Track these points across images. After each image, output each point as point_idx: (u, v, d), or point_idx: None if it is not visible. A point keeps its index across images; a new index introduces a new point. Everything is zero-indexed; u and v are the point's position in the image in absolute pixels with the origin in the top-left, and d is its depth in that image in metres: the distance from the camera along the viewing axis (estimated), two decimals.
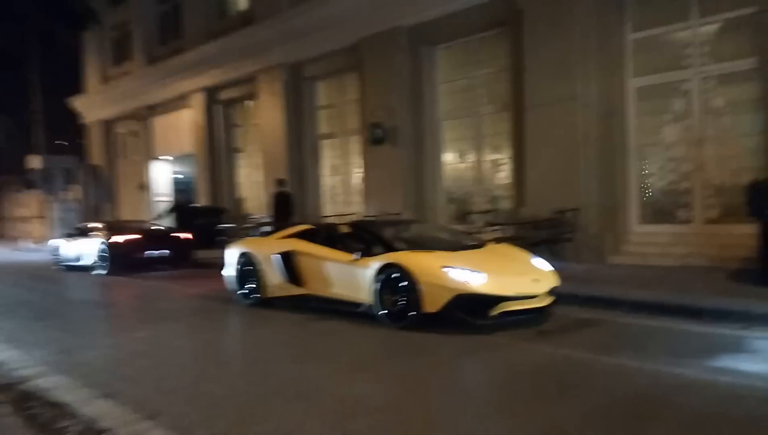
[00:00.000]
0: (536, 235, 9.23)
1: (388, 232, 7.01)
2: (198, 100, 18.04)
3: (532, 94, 10.14)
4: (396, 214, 12.03)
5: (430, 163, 12.44)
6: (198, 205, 16.77)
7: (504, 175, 11.53)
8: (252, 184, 17.48)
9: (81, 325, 7.32)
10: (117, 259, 12.52)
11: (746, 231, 8.10)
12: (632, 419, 3.47)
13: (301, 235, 7.54)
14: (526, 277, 6.01)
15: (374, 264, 6.18)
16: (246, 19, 15.99)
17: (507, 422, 3.51)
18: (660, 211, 9.38)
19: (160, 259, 13.10)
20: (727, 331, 5.38)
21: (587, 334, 5.65)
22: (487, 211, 11.19)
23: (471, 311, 5.63)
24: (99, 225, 14.35)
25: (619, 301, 6.55)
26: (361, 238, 6.87)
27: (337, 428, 3.46)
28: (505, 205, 11.30)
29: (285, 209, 13.11)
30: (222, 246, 15.33)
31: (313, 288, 7.05)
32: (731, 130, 8.68)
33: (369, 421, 3.57)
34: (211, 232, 15.74)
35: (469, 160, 12.13)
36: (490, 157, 11.82)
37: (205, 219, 15.87)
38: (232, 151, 18.13)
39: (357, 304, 6.44)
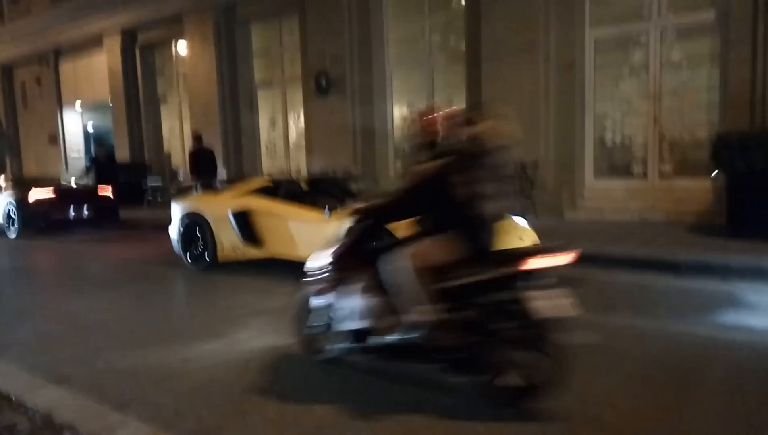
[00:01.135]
0: None
1: (354, 187, 6.56)
2: (113, 43, 16.26)
3: (489, 44, 9.73)
4: (346, 168, 11.48)
5: (379, 115, 11.85)
6: (119, 160, 15.32)
7: None
8: (178, 137, 16.19)
9: (2, 297, 6.34)
10: (29, 220, 11.18)
11: (701, 185, 8.29)
12: (680, 384, 3.28)
13: (259, 192, 6.88)
14: (511, 234, 5.58)
15: (347, 220, 5.64)
16: None
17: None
18: (616, 165, 9.40)
19: (81, 220, 11.87)
20: (711, 285, 5.37)
21: (576, 292, 5.44)
22: None
23: None
24: (3, 182, 12.77)
25: (594, 257, 6.41)
26: (327, 193, 6.34)
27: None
28: None
29: (206, 166, 11.87)
30: (147, 205, 14.39)
31: (275, 250, 6.49)
32: (688, 84, 8.71)
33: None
34: (135, 190, 14.52)
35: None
36: (443, 109, 11.37)
37: (128, 176, 14.57)
38: (155, 100, 16.64)
39: None
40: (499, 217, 3.39)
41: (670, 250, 6.37)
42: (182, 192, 13.93)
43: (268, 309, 5.21)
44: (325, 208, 5.96)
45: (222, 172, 13.97)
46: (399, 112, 11.95)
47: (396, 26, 11.71)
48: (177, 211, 7.31)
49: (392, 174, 11.65)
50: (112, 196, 12.35)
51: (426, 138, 3.66)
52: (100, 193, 12.29)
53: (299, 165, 13.39)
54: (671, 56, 8.76)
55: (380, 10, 11.62)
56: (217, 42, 13.91)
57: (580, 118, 9.37)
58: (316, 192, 6.63)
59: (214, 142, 14.25)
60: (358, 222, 3.61)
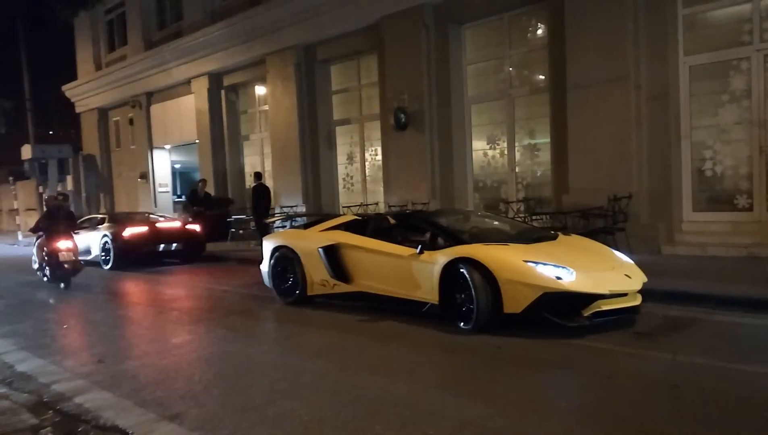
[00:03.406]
0: (586, 224, 8.64)
1: (449, 223, 6.38)
2: (201, 86, 17.18)
3: (575, 74, 9.49)
4: (424, 203, 11.43)
5: (457, 149, 11.78)
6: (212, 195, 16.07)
7: (540, 160, 10.91)
8: (263, 173, 16.72)
9: (106, 328, 6.60)
10: (123, 254, 11.76)
11: None
12: None
13: (346, 227, 6.91)
14: (616, 272, 5.36)
15: (441, 258, 5.51)
16: None
17: None
18: (717, 198, 8.83)
19: (171, 253, 12.39)
20: None
21: (692, 335, 5.05)
22: (524, 200, 10.59)
23: (558, 312, 4.98)
24: (101, 216, 13.58)
25: (704, 296, 5.99)
26: (419, 229, 6.22)
27: None
28: (542, 193, 10.70)
29: (263, 202, 13.08)
30: (231, 239, 14.86)
31: (364, 285, 6.40)
32: None
33: None
34: (220, 225, 15.04)
35: (500, 146, 11.48)
36: (523, 142, 11.19)
37: (214, 210, 15.16)
38: (238, 138, 17.34)
39: (419, 304, 5.79)
40: None
41: None
42: (262, 227, 14.40)
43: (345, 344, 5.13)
44: (416, 245, 5.86)
45: (301, 207, 14.30)
46: (479, 145, 11.83)
47: (475, 59, 11.70)
48: (268, 246, 7.44)
49: (471, 207, 11.48)
50: (199, 231, 12.85)
51: None
52: (188, 228, 12.82)
53: (377, 199, 13.46)
54: None
55: (459, 43, 11.66)
56: (298, 81, 14.39)
57: (675, 149, 8.91)
58: (404, 227, 6.53)
59: (293, 177, 14.67)
60: None
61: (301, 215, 13.71)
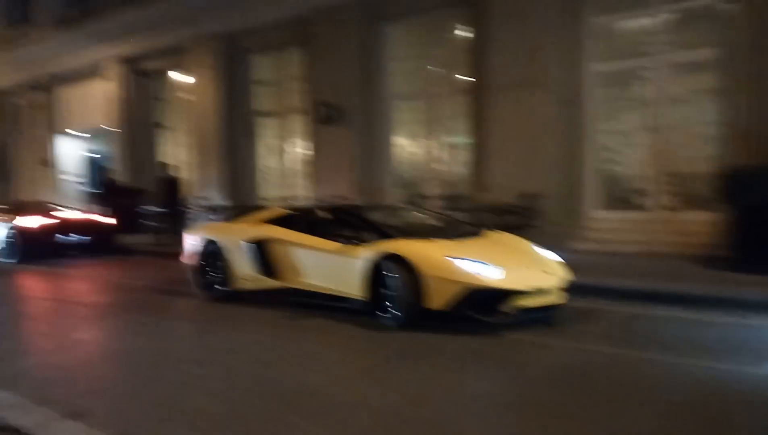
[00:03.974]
0: (500, 220, 9.01)
1: (377, 218, 6.37)
2: (115, 71, 16.31)
3: (493, 76, 9.87)
4: (344, 197, 11.48)
5: (380, 145, 11.92)
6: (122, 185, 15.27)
7: (459, 159, 11.25)
8: (179, 163, 16.15)
9: (3, 324, 6.18)
10: (26, 246, 11.02)
11: (704, 218, 8.35)
12: (716, 423, 3.22)
13: (275, 221, 6.79)
14: (537, 268, 5.52)
15: (367, 254, 5.53)
16: None
17: (573, 431, 3.15)
18: (619, 198, 9.49)
19: (77, 246, 11.73)
20: (731, 319, 5.37)
21: (594, 325, 5.41)
22: (443, 197, 10.89)
23: (479, 308, 5.08)
24: (1, 206, 12.65)
25: (609, 290, 6.45)
26: (348, 224, 6.16)
27: None
28: (460, 190, 11.05)
29: (172, 194, 12.36)
30: (145, 231, 14.25)
31: (291, 280, 6.31)
32: (688, 118, 8.87)
33: None
34: (132, 216, 14.38)
35: (422, 143, 11.74)
36: (445, 140, 11.50)
37: (125, 201, 14.46)
38: (154, 127, 16.64)
39: (345, 299, 5.78)
40: None
41: (686, 284, 6.38)
42: (178, 218, 13.92)
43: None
44: (345, 240, 5.85)
45: (220, 199, 13.96)
46: (401, 142, 12.03)
47: (400, 57, 11.86)
48: (192, 239, 7.23)
49: (392, 203, 11.65)
50: (109, 222, 12.27)
51: None
52: (96, 220, 12.20)
53: (298, 193, 13.37)
54: (672, 91, 8.93)
55: (384, 42, 11.78)
56: (219, 70, 14.01)
57: (581, 151, 9.48)
58: (333, 222, 6.44)
59: (212, 168, 14.29)
60: None
61: (225, 208, 13.42)
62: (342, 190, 11.69)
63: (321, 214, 6.66)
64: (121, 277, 9.10)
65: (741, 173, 6.73)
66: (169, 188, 12.44)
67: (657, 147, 9.02)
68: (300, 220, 6.68)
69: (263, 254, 6.49)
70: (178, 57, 14.88)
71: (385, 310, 5.39)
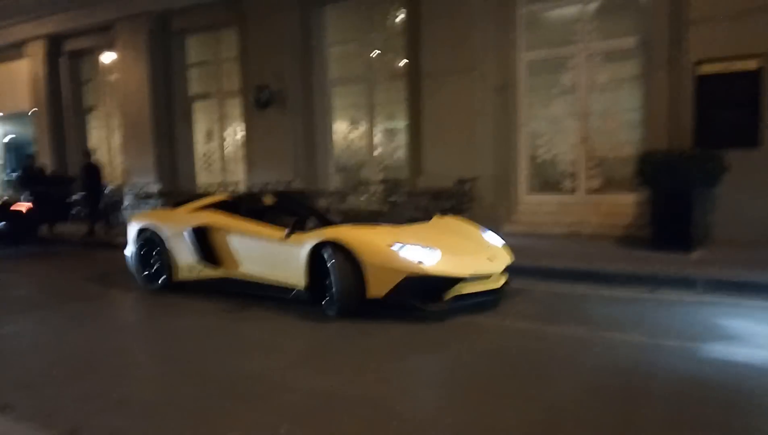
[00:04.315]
0: (436, 205, 9.24)
1: (321, 204, 6.49)
2: (37, 50, 15.45)
3: (428, 63, 10.02)
4: (287, 182, 11.43)
5: (319, 130, 11.90)
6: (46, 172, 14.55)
7: (398, 144, 11.39)
8: (109, 148, 15.57)
9: None
10: None
11: (627, 200, 8.84)
12: (634, 391, 3.49)
13: (217, 207, 6.53)
14: (480, 254, 5.50)
15: (308, 241, 5.35)
16: None
17: (505, 406, 3.35)
18: (548, 182, 9.88)
19: None
20: (645, 294, 5.75)
21: (530, 306, 5.63)
22: (383, 181, 11.01)
23: (423, 296, 5.03)
24: None
25: (539, 270, 6.74)
26: (290, 210, 5.99)
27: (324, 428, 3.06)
28: (400, 175, 11.20)
29: (96, 182, 12.06)
30: (72, 220, 13.69)
31: (233, 270, 6.10)
32: (613, 105, 9.31)
33: (355, 416, 3.21)
34: (58, 205, 13.77)
35: (361, 129, 11.79)
36: (383, 125, 11.60)
37: (52, 189, 13.81)
38: (82, 110, 15.92)
39: (288, 289, 5.63)
40: None
41: (603, 262, 6.77)
42: (113, 207, 13.47)
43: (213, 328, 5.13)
44: (286, 226, 5.63)
45: (155, 185, 13.59)
46: (341, 127, 12.04)
47: (337, 41, 11.83)
48: (132, 227, 6.94)
49: (333, 189, 11.70)
50: (26, 210, 11.72)
51: None
52: (17, 208, 11.64)
53: (237, 178, 13.19)
54: (598, 78, 9.34)
55: (322, 25, 11.71)
56: (151, 52, 13.53)
57: (514, 137, 9.80)
58: (280, 209, 6.26)
59: (146, 154, 13.85)
60: None
61: (162, 195, 13.05)
62: (283, 176, 11.63)
63: (265, 199, 6.46)
64: (48, 269, 8.77)
65: (657, 157, 7.16)
66: (91, 175, 11.86)
67: (584, 132, 9.44)
68: (243, 206, 6.46)
69: (205, 242, 6.26)
70: (107, 37, 14.26)
71: (326, 299, 5.29)
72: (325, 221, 5.68)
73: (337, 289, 5.14)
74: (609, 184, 9.32)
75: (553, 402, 3.36)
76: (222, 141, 13.71)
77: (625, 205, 8.83)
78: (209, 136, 13.95)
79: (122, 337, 5.13)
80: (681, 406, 3.23)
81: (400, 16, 10.97)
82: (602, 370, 3.82)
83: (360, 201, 7.34)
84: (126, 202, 13.81)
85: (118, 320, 5.95)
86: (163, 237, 6.53)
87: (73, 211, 13.99)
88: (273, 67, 11.70)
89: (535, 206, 9.85)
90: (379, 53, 11.46)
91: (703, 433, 2.93)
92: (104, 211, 13.03)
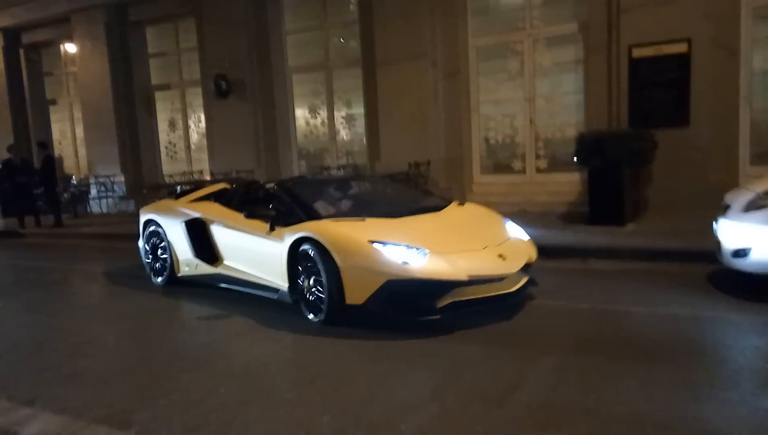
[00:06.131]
0: None
1: (317, 192, 5.51)
2: None
3: (382, 51, 10.35)
4: (249, 171, 11.67)
5: (281, 117, 12.16)
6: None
7: (357, 130, 11.71)
8: (73, 140, 15.60)
9: None
10: None
11: (570, 179, 9.33)
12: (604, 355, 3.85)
13: (215, 197, 6.12)
14: (488, 252, 4.52)
15: (288, 237, 4.74)
16: None
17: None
18: (499, 163, 10.32)
19: None
20: (572, 264, 6.22)
21: None
22: (344, 166, 11.34)
23: (410, 303, 4.20)
24: None
25: None
26: (280, 200, 5.26)
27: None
28: (359, 160, 11.54)
29: (52, 174, 12.02)
30: (40, 211, 13.72)
31: (226, 266, 5.57)
32: (557, 88, 9.75)
33: (287, 375, 3.56)
34: (25, 196, 13.77)
35: (320, 115, 12.08)
36: (342, 112, 11.90)
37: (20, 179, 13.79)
38: (43, 102, 15.88)
39: (273, 289, 5.02)
40: None
41: (540, 237, 7.21)
42: (80, 198, 13.55)
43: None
44: (267, 219, 5.04)
45: (119, 176, 13.71)
46: (302, 114, 12.30)
47: (296, 29, 12.05)
48: (141, 218, 6.63)
49: (296, 174, 11.97)
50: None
51: None
52: None
53: (202, 167, 13.38)
54: (542, 63, 9.76)
55: (278, 12, 11.91)
56: (109, 43, 13.60)
57: (466, 121, 10.19)
58: (273, 198, 5.40)
59: (109, 145, 13.95)
60: None
61: (134, 187, 13.11)
62: (246, 164, 11.87)
63: (263, 188, 5.81)
64: (14, 259, 8.94)
65: (591, 138, 7.60)
66: (47, 168, 11.89)
67: (532, 115, 9.87)
68: (237, 196, 5.93)
69: (200, 236, 5.80)
70: (66, 28, 14.24)
71: (306, 303, 4.66)
72: (307, 213, 4.92)
73: (317, 293, 4.51)
74: (555, 164, 9.79)
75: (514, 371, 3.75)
76: (186, 130, 13.86)
77: (569, 183, 9.32)
78: (173, 125, 14.09)
79: (80, 319, 5.40)
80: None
81: (354, 4, 11.23)
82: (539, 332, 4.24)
83: (378, 189, 7.13)
84: (92, 192, 13.92)
85: (77, 304, 6.22)
86: (165, 230, 6.20)
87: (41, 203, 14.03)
88: (231, 56, 11.89)
89: (487, 186, 10.28)
90: (336, 41, 11.73)
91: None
92: (71, 202, 13.14)
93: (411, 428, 2.80)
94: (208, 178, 12.38)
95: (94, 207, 13.91)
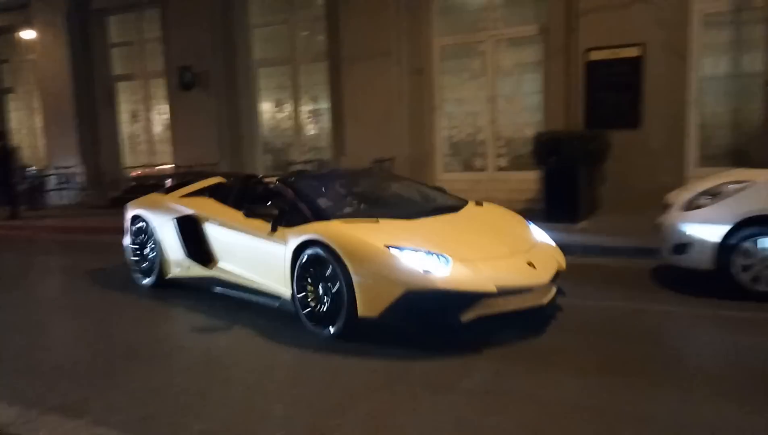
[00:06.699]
0: None
1: (323, 188, 5.06)
2: None
3: (347, 47, 10.44)
4: (212, 164, 11.61)
5: (246, 111, 12.13)
6: None
7: (323, 125, 11.77)
8: (31, 130, 15.23)
9: None
10: None
11: (529, 177, 9.58)
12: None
13: (211, 192, 5.61)
14: (517, 259, 4.10)
15: (293, 239, 4.29)
16: None
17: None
18: (462, 160, 10.53)
19: None
20: None
21: None
22: (309, 162, 11.39)
23: (432, 317, 3.84)
24: None
25: None
26: (282, 197, 4.79)
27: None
28: (324, 155, 11.61)
29: (8, 165, 11.59)
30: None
31: (221, 268, 5.10)
32: (518, 88, 10.00)
33: (243, 362, 3.64)
34: None
35: (286, 110, 12.10)
36: (307, 107, 11.94)
37: None
38: (1, 90, 15.45)
39: (274, 296, 4.59)
40: None
41: None
42: (38, 190, 13.24)
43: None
44: (269, 218, 4.57)
45: (79, 168, 13.47)
46: (267, 108, 12.30)
47: (262, 23, 12.02)
48: (127, 214, 6.11)
49: (261, 170, 11.98)
50: None
51: None
52: None
53: (165, 160, 13.24)
54: (504, 63, 10.00)
55: (244, 5, 11.87)
56: (70, 31, 13.34)
57: (429, 119, 10.37)
58: (276, 194, 4.94)
59: (69, 136, 13.69)
60: None
61: (96, 180, 12.85)
62: (209, 157, 11.81)
63: (263, 184, 5.33)
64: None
65: (548, 138, 7.86)
66: (4, 158, 11.55)
67: (493, 114, 10.10)
68: (235, 191, 5.38)
69: (192, 234, 5.31)
70: (25, 15, 13.88)
71: (314, 315, 4.17)
72: (314, 212, 4.45)
73: (326, 304, 4.07)
74: (515, 163, 10.04)
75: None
76: (148, 122, 13.69)
77: (528, 181, 9.55)
78: (135, 117, 13.90)
79: (38, 313, 5.37)
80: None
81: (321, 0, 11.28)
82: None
83: (391, 186, 6.86)
84: (50, 184, 13.63)
85: (35, 298, 6.14)
86: (154, 227, 5.68)
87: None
88: (195, 48, 11.81)
89: (450, 184, 10.32)
90: (302, 35, 11.76)
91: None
92: (29, 193, 12.85)
93: None
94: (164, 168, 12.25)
95: (54, 198, 13.64)
